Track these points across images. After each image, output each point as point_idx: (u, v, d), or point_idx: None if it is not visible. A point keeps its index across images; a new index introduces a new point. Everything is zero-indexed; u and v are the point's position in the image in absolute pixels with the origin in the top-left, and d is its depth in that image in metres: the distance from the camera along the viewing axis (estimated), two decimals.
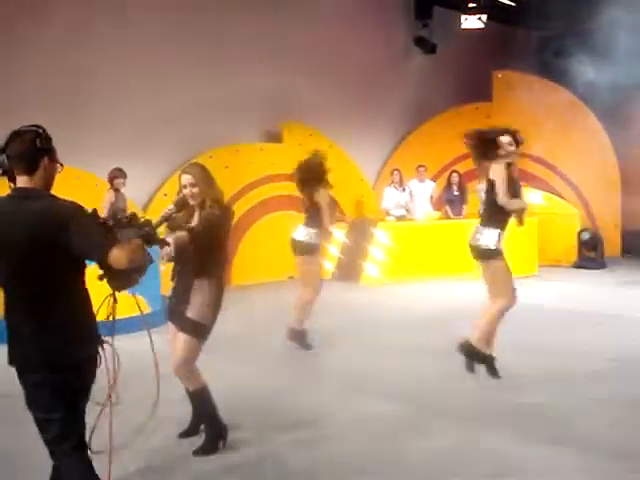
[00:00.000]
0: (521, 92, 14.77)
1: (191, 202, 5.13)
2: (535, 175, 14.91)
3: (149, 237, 3.73)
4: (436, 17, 15.26)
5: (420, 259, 12.43)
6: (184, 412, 5.50)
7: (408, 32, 15.46)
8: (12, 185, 3.58)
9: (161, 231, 4.64)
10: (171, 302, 5.30)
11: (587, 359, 7.51)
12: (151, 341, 4.10)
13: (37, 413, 3.63)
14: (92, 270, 3.66)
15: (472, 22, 15.06)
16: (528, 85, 14.95)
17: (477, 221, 6.84)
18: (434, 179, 14.48)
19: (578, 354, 7.71)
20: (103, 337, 3.73)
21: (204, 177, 5.17)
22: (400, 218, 13.32)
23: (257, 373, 7.18)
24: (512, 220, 6.61)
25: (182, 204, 5.16)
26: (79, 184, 10.08)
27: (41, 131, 3.57)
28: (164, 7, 11.45)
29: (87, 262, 3.67)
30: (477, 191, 10.49)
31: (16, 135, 3.54)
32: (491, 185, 6.53)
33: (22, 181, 3.54)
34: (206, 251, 5.08)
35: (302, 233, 7.95)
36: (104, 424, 3.77)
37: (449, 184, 13.69)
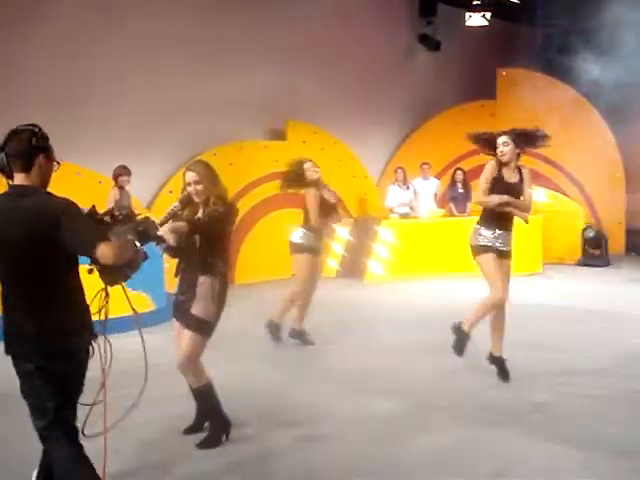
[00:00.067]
0: (525, 89, 14.74)
1: (195, 199, 5.15)
2: (539, 173, 14.86)
3: (144, 234, 3.79)
4: (440, 14, 15.24)
5: (424, 257, 12.43)
6: (187, 408, 5.52)
7: (412, 29, 15.45)
8: (10, 182, 3.66)
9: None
10: (176, 299, 5.32)
11: (591, 357, 7.50)
12: (142, 340, 4.12)
13: (30, 400, 3.72)
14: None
15: (476, 19, 15.03)
16: (532, 82, 14.92)
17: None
18: (438, 177, 14.48)
19: (582, 352, 7.70)
20: (98, 332, 3.81)
21: (208, 174, 5.19)
22: (404, 216, 13.31)
23: (259, 371, 7.18)
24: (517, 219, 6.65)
25: (187, 201, 5.18)
26: (83, 182, 10.13)
27: (37, 130, 3.65)
28: (170, 5, 11.45)
29: (79, 257, 3.73)
30: None
31: (13, 134, 3.63)
32: None
33: (19, 178, 3.62)
34: (210, 247, 5.11)
35: (295, 233, 8.05)
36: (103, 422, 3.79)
37: (453, 182, 13.68)
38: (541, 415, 5.88)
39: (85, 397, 3.85)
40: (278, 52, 12.71)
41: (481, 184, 6.60)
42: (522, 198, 6.61)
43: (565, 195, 14.66)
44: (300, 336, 8.13)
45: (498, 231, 6.56)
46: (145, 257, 3.86)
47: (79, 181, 10.07)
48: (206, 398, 5.32)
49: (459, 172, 13.64)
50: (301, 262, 8.01)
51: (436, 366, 7.11)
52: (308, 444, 5.36)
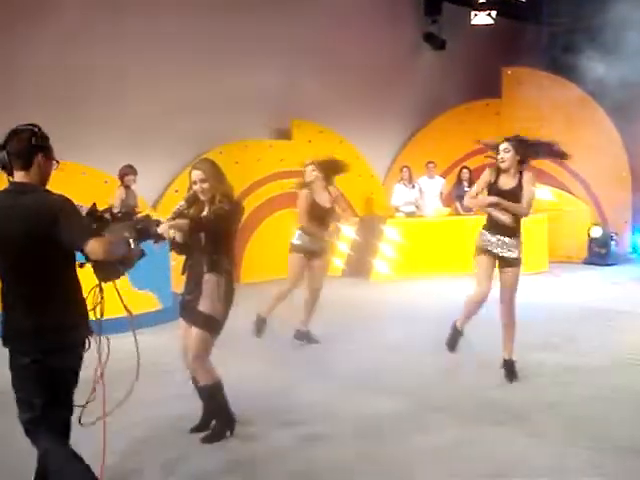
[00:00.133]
0: (531, 88, 14.73)
1: (201, 198, 5.17)
2: (545, 171, 14.84)
3: (143, 231, 3.92)
4: (445, 13, 15.21)
5: (430, 256, 12.42)
6: (191, 407, 5.52)
7: (417, 28, 15.42)
8: (10, 179, 3.81)
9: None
10: (183, 298, 5.33)
11: (597, 355, 7.50)
12: (135, 340, 4.14)
13: (20, 394, 3.82)
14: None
15: (482, 18, 15.00)
16: (538, 81, 14.90)
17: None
18: (444, 175, 14.47)
19: (588, 350, 7.70)
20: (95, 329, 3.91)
21: (214, 173, 5.20)
22: (410, 215, 13.31)
23: (262, 369, 7.20)
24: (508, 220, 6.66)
25: (193, 200, 5.20)
26: (89, 181, 10.16)
27: (37, 130, 3.78)
28: (174, 3, 11.45)
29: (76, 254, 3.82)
30: None
31: (14, 133, 3.76)
32: None
33: (19, 176, 3.76)
34: (215, 245, 5.12)
35: (295, 233, 8.15)
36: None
37: (459, 180, 13.67)
38: (546, 414, 5.88)
39: (85, 395, 3.90)
40: (283, 51, 12.71)
41: (473, 188, 6.85)
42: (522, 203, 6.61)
43: (571, 194, 14.62)
44: (305, 337, 8.18)
45: (500, 237, 6.59)
46: (142, 254, 3.94)
47: (85, 181, 10.10)
48: (215, 396, 5.35)
49: (465, 171, 13.63)
50: (291, 262, 8.08)
51: (441, 365, 7.11)
52: (310, 443, 5.37)
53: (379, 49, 14.40)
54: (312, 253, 8.03)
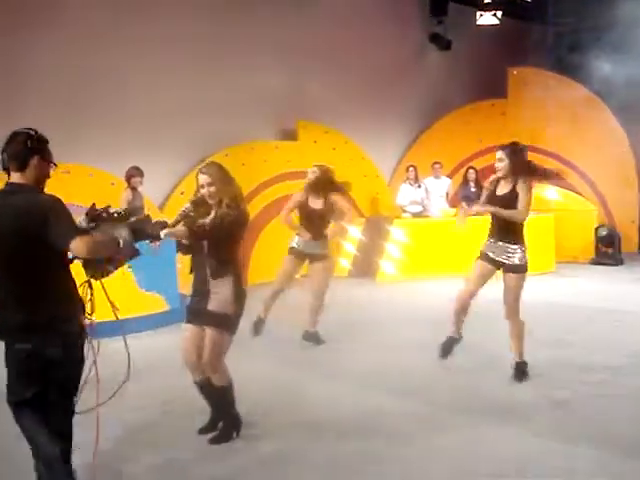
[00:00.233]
0: (536, 88, 14.74)
1: (209, 201, 5.17)
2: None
3: (139, 231, 4.06)
4: (451, 13, 15.21)
5: (436, 256, 12.40)
6: (195, 407, 5.54)
7: (423, 29, 15.43)
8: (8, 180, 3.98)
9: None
10: (191, 303, 5.33)
11: (604, 355, 7.50)
12: (126, 345, 4.19)
13: (16, 387, 4.00)
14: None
15: (487, 18, 15.01)
16: (543, 81, 14.90)
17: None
18: (450, 176, 14.47)
19: (594, 350, 7.69)
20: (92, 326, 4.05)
21: (221, 176, 5.21)
22: (417, 215, 13.30)
23: (270, 369, 7.20)
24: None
25: (199, 203, 5.20)
26: (95, 183, 10.17)
27: (33, 133, 3.95)
28: (180, 5, 11.47)
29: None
30: None
31: (12, 136, 3.96)
32: None
33: (15, 177, 3.93)
34: (219, 251, 5.12)
35: None
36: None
37: (465, 181, 13.65)
38: (555, 414, 5.88)
39: (87, 393, 3.99)
40: (288, 52, 12.72)
41: (482, 197, 6.97)
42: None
43: (578, 194, 14.60)
44: (313, 337, 8.19)
45: (502, 243, 6.65)
46: (136, 254, 4.09)
47: (92, 182, 10.11)
48: (225, 397, 5.37)
49: (471, 171, 13.62)
50: (283, 262, 8.26)
51: (448, 365, 7.10)
52: (317, 443, 5.37)
53: (385, 50, 14.41)
54: (309, 256, 8.12)
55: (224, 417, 5.43)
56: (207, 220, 5.14)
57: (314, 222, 8.05)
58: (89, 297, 4.01)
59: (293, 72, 12.91)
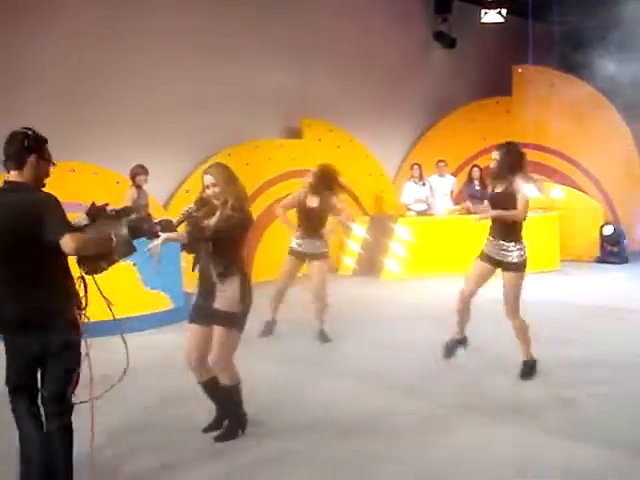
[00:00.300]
0: (541, 86, 14.72)
1: (214, 201, 5.17)
2: (556, 169, 14.85)
3: (136, 229, 4.19)
4: (456, 11, 15.20)
5: (441, 254, 12.40)
6: (200, 407, 5.54)
7: (427, 26, 15.40)
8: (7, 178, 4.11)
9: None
10: (197, 303, 5.32)
11: (610, 354, 7.48)
12: (125, 343, 4.24)
13: (15, 376, 4.20)
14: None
15: (492, 16, 14.99)
16: (548, 79, 14.89)
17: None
18: (455, 174, 14.46)
19: (600, 349, 7.68)
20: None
21: (225, 177, 5.20)
22: (421, 213, 13.29)
23: (274, 368, 7.20)
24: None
25: (202, 203, 5.21)
26: (100, 181, 10.19)
27: (30, 132, 4.07)
28: (186, 2, 11.48)
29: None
30: None
31: (11, 136, 4.08)
32: None
33: (13, 175, 4.06)
34: (223, 252, 5.12)
35: None
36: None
37: (470, 179, 13.64)
38: (562, 413, 5.86)
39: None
40: (293, 50, 12.72)
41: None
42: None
43: (583, 192, 14.57)
44: (321, 335, 8.23)
45: (500, 241, 6.66)
46: (132, 251, 4.19)
47: (96, 181, 10.14)
48: (233, 397, 5.37)
49: (476, 169, 13.61)
50: (284, 262, 8.41)
51: (453, 364, 7.09)
52: (324, 442, 5.36)
53: (389, 48, 14.40)
54: (308, 255, 8.21)
55: (230, 415, 5.44)
56: (212, 221, 5.14)
57: (311, 220, 8.14)
58: (83, 293, 4.14)
59: (298, 70, 12.90)
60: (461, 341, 7.07)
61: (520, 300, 6.66)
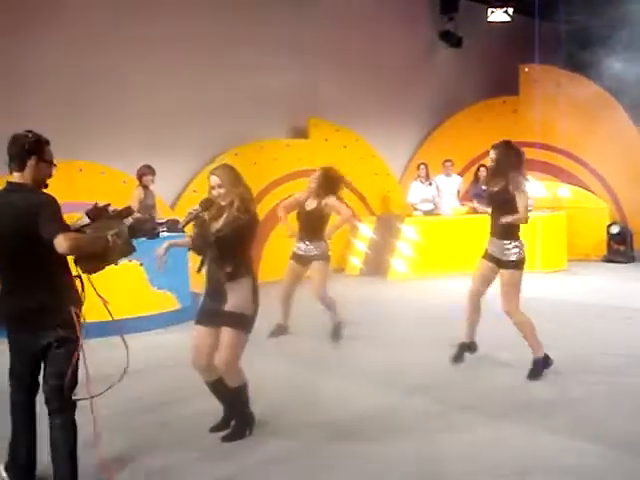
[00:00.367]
0: (548, 85, 14.69)
1: (221, 203, 5.17)
2: (563, 169, 14.82)
3: (135, 229, 4.33)
4: (462, 10, 15.18)
5: (448, 254, 12.40)
6: (204, 406, 5.54)
7: (434, 26, 15.40)
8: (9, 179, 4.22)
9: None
10: (204, 304, 5.31)
11: (616, 353, 7.47)
12: (125, 344, 4.32)
13: (18, 372, 4.33)
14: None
15: (498, 15, 14.97)
16: (555, 78, 14.86)
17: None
18: (461, 173, 14.45)
19: (607, 348, 7.66)
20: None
21: (231, 178, 5.20)
22: (428, 213, 13.28)
23: (283, 367, 7.21)
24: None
25: (208, 204, 5.20)
26: (107, 181, 10.21)
27: (30, 135, 4.19)
28: (190, 3, 11.49)
29: None
30: None
31: (13, 138, 4.20)
32: None
33: (15, 177, 4.18)
34: (230, 254, 5.12)
35: None
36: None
37: (476, 179, 13.60)
38: (568, 413, 5.84)
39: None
40: (299, 50, 12.73)
41: None
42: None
43: (590, 191, 14.55)
44: (335, 330, 8.30)
45: (499, 240, 6.71)
46: (132, 250, 4.31)
47: (103, 181, 10.16)
48: (239, 397, 5.37)
49: (482, 169, 13.52)
50: (287, 266, 8.46)
51: (461, 364, 7.09)
52: (333, 441, 5.36)
53: (395, 47, 14.40)
54: (310, 258, 8.22)
55: (237, 416, 5.44)
56: (219, 224, 5.14)
57: (310, 223, 8.16)
58: (80, 291, 4.24)
59: (304, 70, 12.91)
60: (470, 346, 7.06)
61: (519, 297, 6.67)
